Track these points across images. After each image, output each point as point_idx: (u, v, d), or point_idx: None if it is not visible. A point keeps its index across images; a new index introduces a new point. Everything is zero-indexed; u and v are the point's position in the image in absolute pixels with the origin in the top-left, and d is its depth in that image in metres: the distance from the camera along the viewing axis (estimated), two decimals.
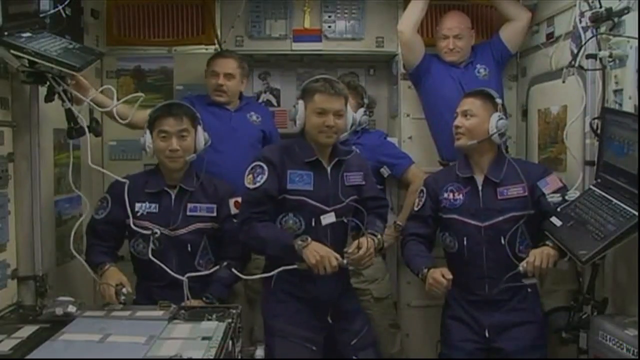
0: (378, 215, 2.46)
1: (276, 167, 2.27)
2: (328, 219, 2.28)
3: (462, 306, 2.45)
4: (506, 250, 2.35)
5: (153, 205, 2.35)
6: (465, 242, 2.42)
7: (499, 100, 2.48)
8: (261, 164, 2.28)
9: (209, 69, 2.85)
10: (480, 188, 2.43)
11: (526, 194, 2.38)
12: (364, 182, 2.43)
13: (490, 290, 2.37)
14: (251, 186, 2.27)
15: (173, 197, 2.37)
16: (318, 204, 2.29)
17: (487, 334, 2.38)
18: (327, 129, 2.26)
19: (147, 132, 2.35)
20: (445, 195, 2.48)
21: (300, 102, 2.32)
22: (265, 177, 2.25)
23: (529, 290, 2.39)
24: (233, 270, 2.32)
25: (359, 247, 2.21)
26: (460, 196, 2.45)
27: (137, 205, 2.33)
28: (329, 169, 2.33)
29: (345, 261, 2.20)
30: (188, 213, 2.36)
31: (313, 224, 2.28)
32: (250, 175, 2.28)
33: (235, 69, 2.84)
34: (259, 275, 2.37)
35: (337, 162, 2.35)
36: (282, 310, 2.33)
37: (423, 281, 2.35)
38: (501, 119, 2.42)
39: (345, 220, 2.34)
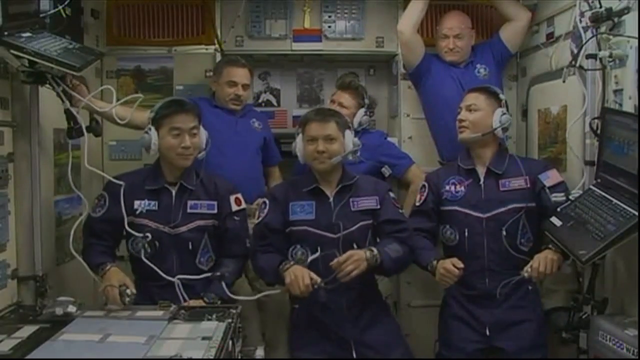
0: (397, 239, 2.32)
1: (279, 201, 2.35)
2: (311, 256, 2.26)
3: (461, 304, 2.45)
4: (507, 242, 2.36)
5: (152, 202, 2.31)
6: (466, 234, 2.42)
7: (502, 96, 2.50)
8: (265, 200, 2.40)
9: (225, 79, 2.82)
10: (482, 180, 2.44)
11: (528, 186, 2.40)
12: (378, 206, 2.36)
13: (490, 284, 2.37)
14: (256, 221, 2.39)
15: (174, 194, 2.33)
16: (322, 232, 2.29)
17: (487, 332, 2.38)
18: (318, 155, 2.28)
19: (152, 129, 2.28)
20: (447, 187, 2.49)
21: (299, 136, 2.36)
22: (266, 211, 2.35)
23: (529, 287, 2.40)
24: (224, 286, 2.27)
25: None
26: (462, 188, 2.46)
27: (137, 202, 2.29)
28: (331, 196, 2.33)
29: (319, 280, 2.14)
30: (188, 210, 2.33)
31: (319, 253, 2.27)
32: (258, 212, 2.41)
33: (250, 79, 2.88)
34: (245, 297, 2.37)
35: (342, 188, 2.34)
36: (300, 342, 2.37)
37: (432, 273, 2.35)
38: (504, 114, 2.44)
39: (355, 247, 2.27)
